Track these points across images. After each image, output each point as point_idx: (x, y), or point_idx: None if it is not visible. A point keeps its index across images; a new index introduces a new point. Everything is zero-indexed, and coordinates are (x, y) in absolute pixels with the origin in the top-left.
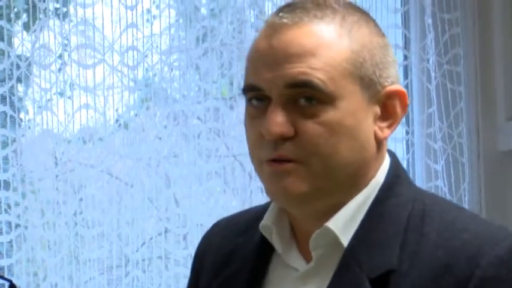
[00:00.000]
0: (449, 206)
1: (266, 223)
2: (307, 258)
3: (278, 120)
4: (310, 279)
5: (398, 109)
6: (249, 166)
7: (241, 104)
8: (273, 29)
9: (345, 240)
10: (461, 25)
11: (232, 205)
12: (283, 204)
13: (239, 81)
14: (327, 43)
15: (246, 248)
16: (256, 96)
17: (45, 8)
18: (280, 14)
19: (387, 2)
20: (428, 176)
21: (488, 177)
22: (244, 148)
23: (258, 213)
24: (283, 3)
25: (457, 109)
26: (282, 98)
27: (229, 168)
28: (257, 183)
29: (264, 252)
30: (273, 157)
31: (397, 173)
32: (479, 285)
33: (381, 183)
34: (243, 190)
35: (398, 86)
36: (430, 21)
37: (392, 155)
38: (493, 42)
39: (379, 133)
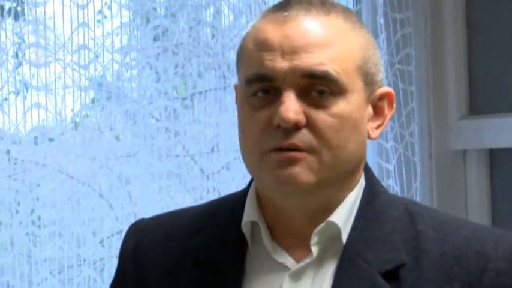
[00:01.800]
0: (425, 205)
1: (251, 219)
2: (294, 255)
3: (293, 108)
4: (305, 273)
5: (386, 111)
6: (205, 165)
7: (197, 103)
8: (280, 19)
9: (344, 237)
10: (413, 25)
11: (187, 204)
12: (287, 194)
13: (195, 81)
14: (341, 35)
15: (214, 246)
16: (263, 87)
17: (1, 7)
18: (287, 6)
19: (339, 1)
20: (380, 176)
21: (440, 176)
22: (200, 147)
23: (199, 213)
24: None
25: (408, 108)
26: (295, 87)
27: (185, 167)
28: (212, 183)
29: (239, 248)
30: (283, 145)
31: (371, 175)
32: (494, 278)
33: (363, 183)
34: (198, 189)
35: (388, 88)
36: (382, 20)
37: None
38: (445, 42)
39: (371, 133)
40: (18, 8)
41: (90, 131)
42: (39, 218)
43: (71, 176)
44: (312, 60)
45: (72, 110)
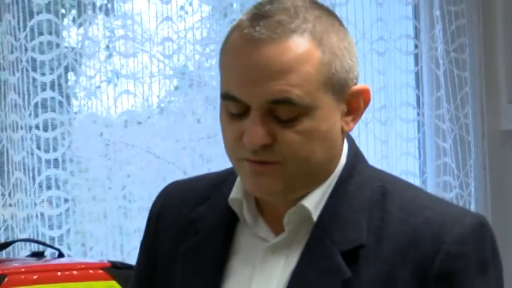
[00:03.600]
0: (406, 184)
1: (236, 196)
2: (275, 230)
3: (259, 133)
4: (279, 249)
5: (362, 104)
6: None
7: None
8: (251, 43)
9: (315, 216)
10: (467, 17)
11: None
12: (262, 197)
13: None
14: (303, 58)
15: (211, 218)
16: (234, 105)
17: (93, 3)
18: (257, 28)
19: None
20: (437, 154)
21: (492, 154)
22: None
23: (213, 181)
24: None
25: (463, 93)
26: (262, 110)
27: None
28: None
29: (230, 222)
30: (253, 160)
31: (356, 153)
32: (444, 260)
33: (344, 163)
34: None
35: (363, 85)
36: (438, 13)
37: (349, 137)
38: (495, 32)
39: (345, 127)
40: (109, 5)
41: (174, 115)
42: (129, 193)
43: (158, 156)
44: (275, 87)
45: (158, 96)
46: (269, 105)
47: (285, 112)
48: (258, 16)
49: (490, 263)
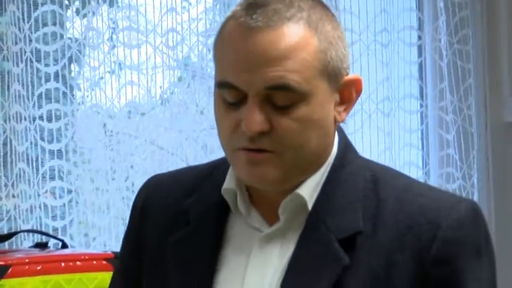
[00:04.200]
0: (396, 172)
1: (229, 186)
2: (268, 220)
3: (257, 119)
4: (274, 238)
5: (354, 94)
6: None
7: None
8: (246, 31)
9: (310, 205)
10: (470, 8)
11: None
12: (258, 187)
13: None
14: (300, 45)
15: (201, 208)
16: (231, 93)
17: None
18: (254, 16)
19: None
20: (440, 145)
21: (494, 146)
22: None
23: (199, 173)
24: None
25: (466, 84)
26: (259, 96)
27: None
28: None
29: (222, 212)
30: (250, 147)
31: (346, 143)
32: (441, 246)
33: (335, 153)
34: None
35: (356, 75)
36: (441, 4)
37: (339, 128)
38: (499, 23)
39: (338, 117)
40: None
41: (177, 106)
42: (132, 184)
43: (161, 147)
44: (273, 73)
45: (161, 87)
46: (266, 92)
47: (282, 99)
48: (253, 5)
49: (484, 247)
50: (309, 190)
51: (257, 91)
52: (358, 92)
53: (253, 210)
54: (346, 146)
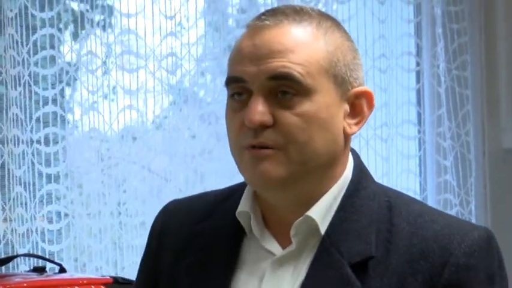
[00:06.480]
0: (411, 199)
1: (244, 209)
2: (281, 242)
3: (259, 110)
4: (287, 262)
5: (365, 108)
6: None
7: None
8: (255, 30)
9: (323, 229)
10: (469, 34)
11: None
12: (262, 189)
13: None
14: (305, 42)
15: (216, 232)
16: (237, 89)
17: (91, 19)
18: (263, 17)
19: (401, 13)
20: (438, 171)
21: (492, 172)
22: None
23: (218, 197)
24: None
25: (464, 110)
26: (263, 90)
27: None
28: None
29: (236, 235)
30: (253, 143)
31: (361, 168)
32: (454, 272)
33: (350, 177)
34: None
35: (366, 87)
36: (440, 30)
37: (354, 152)
38: (497, 50)
39: (348, 129)
40: (107, 20)
41: (170, 131)
42: (126, 209)
43: (153, 171)
44: (275, 63)
45: (153, 112)
46: (270, 84)
47: (284, 93)
48: (265, 12)
49: (497, 275)
50: (321, 213)
51: (261, 83)
52: (371, 106)
53: (266, 233)
54: (361, 170)
